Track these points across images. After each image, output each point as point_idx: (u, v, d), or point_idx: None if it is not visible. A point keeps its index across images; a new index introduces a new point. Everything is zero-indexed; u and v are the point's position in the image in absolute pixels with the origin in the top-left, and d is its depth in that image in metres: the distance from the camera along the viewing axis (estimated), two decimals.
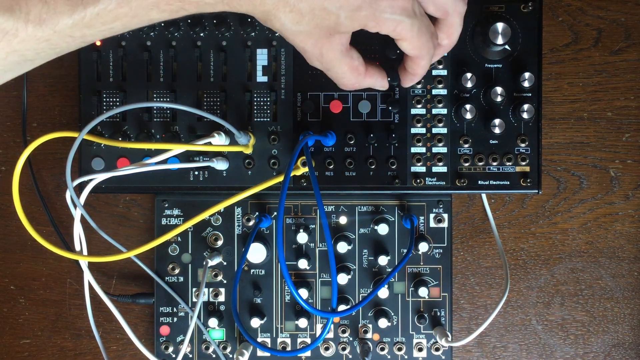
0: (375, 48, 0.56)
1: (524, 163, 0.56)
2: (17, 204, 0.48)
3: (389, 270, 0.60)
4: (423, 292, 0.60)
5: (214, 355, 0.61)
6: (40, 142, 0.48)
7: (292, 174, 0.53)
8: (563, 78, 0.63)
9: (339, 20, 0.40)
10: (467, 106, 0.55)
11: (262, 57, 0.56)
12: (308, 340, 0.61)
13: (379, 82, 0.48)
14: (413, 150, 0.57)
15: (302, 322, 0.60)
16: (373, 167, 0.56)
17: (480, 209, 0.64)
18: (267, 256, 0.60)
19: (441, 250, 0.60)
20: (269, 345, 0.61)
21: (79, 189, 0.54)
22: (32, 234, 0.49)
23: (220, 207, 0.52)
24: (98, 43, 0.56)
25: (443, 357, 0.60)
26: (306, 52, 0.43)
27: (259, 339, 0.61)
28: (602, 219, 0.64)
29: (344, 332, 0.61)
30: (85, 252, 0.55)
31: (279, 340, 0.61)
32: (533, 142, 0.56)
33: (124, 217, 0.65)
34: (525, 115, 0.55)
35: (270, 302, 0.61)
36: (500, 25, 0.53)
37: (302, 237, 0.60)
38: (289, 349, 0.61)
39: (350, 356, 0.61)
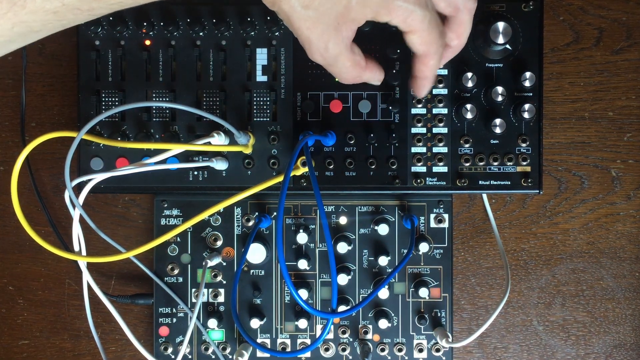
0: (376, 47, 0.56)
1: (524, 163, 0.56)
2: (15, 204, 0.48)
3: (389, 270, 0.60)
4: (423, 292, 0.59)
5: (213, 356, 0.60)
6: (39, 142, 0.48)
7: (292, 174, 0.52)
8: (564, 77, 0.63)
9: (350, 5, 0.39)
10: (468, 106, 0.55)
11: (261, 56, 0.56)
12: (308, 341, 0.61)
13: (377, 75, 0.47)
14: (413, 150, 0.57)
15: (302, 323, 0.60)
16: (373, 167, 0.56)
17: (480, 209, 0.64)
18: (266, 256, 0.60)
19: (442, 251, 0.60)
20: (269, 346, 0.61)
21: (78, 189, 0.54)
22: (31, 234, 0.49)
23: (220, 207, 0.51)
24: (97, 42, 0.56)
25: (444, 358, 0.60)
26: (311, 43, 0.42)
27: (259, 340, 0.61)
28: (604, 219, 0.64)
29: (344, 332, 0.60)
30: (84, 252, 0.55)
31: (279, 341, 0.61)
32: (534, 142, 0.56)
33: (123, 218, 0.65)
34: (526, 115, 0.55)
35: (270, 303, 0.61)
36: (501, 25, 0.53)
37: (302, 238, 0.59)
38: (288, 349, 0.61)
39: (351, 357, 0.61)
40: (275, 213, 0.60)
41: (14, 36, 0.40)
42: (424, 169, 0.57)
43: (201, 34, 0.56)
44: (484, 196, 0.63)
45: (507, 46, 0.55)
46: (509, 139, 0.56)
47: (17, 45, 0.42)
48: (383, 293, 0.60)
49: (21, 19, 0.38)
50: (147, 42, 0.56)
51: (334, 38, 0.41)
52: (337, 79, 0.56)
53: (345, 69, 0.44)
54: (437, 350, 0.60)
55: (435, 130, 0.56)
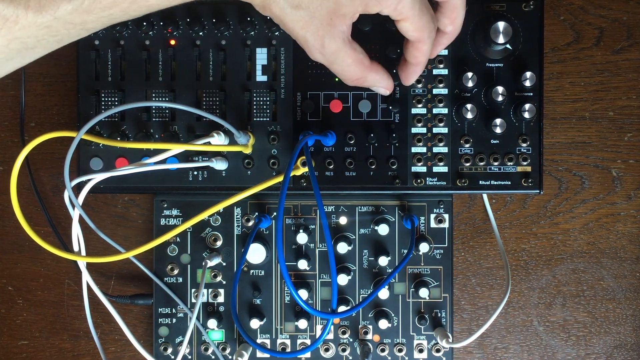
0: (376, 47, 0.56)
1: (525, 163, 0.56)
2: (15, 204, 0.48)
3: (390, 271, 0.60)
4: (424, 292, 0.59)
5: (213, 357, 0.60)
6: (38, 142, 0.48)
7: (291, 174, 0.52)
8: (565, 77, 0.63)
9: (339, 1, 0.40)
10: (468, 106, 0.55)
11: (261, 56, 0.56)
12: (308, 342, 0.61)
13: (384, 80, 0.47)
14: (414, 150, 0.56)
15: (302, 323, 0.60)
16: (373, 167, 0.56)
17: (481, 209, 0.64)
18: (266, 257, 0.60)
19: (442, 251, 0.60)
20: (269, 347, 0.60)
21: (77, 189, 0.53)
22: (30, 234, 0.49)
23: (220, 207, 0.51)
24: (97, 42, 0.56)
25: (444, 358, 0.60)
26: (307, 42, 0.42)
27: (259, 340, 0.61)
28: (604, 219, 0.64)
29: (344, 333, 0.60)
30: (83, 252, 0.55)
31: (279, 341, 0.61)
32: (534, 142, 0.56)
33: (123, 218, 0.65)
34: (526, 115, 0.55)
35: (269, 303, 0.60)
36: (501, 24, 0.53)
37: (301, 238, 0.59)
38: (288, 350, 0.60)
39: (351, 357, 0.61)
40: (275, 213, 0.60)
41: (10, 53, 0.40)
42: (424, 169, 0.56)
43: (201, 33, 0.56)
44: (484, 196, 0.63)
45: (508, 46, 0.55)
46: (509, 138, 0.56)
47: (14, 65, 0.43)
48: (383, 293, 0.60)
49: (15, 35, 0.39)
50: (147, 42, 0.56)
51: (329, 33, 0.41)
52: (339, 79, 0.56)
53: (347, 66, 0.44)
54: (438, 350, 0.60)
55: (435, 130, 0.56)
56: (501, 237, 0.63)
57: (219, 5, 0.56)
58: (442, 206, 0.60)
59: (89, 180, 0.52)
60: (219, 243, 0.60)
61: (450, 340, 0.58)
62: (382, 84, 0.47)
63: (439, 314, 0.60)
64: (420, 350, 0.60)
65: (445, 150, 0.56)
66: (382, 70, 0.47)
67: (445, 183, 0.56)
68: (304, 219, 0.60)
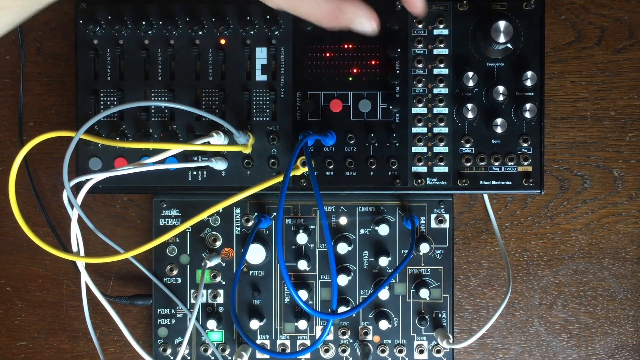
0: (376, 47, 0.56)
1: (526, 163, 0.56)
2: (13, 205, 0.48)
3: (390, 271, 0.60)
4: (424, 293, 0.59)
5: (212, 357, 0.60)
6: (37, 142, 0.48)
7: (291, 174, 0.52)
8: (566, 77, 0.63)
9: None
10: (469, 105, 0.55)
11: (261, 55, 0.56)
12: (308, 342, 0.60)
13: (364, 9, 0.39)
14: (414, 150, 0.56)
15: (302, 324, 0.59)
16: (373, 167, 0.56)
17: (482, 209, 0.64)
18: (266, 257, 0.60)
19: (442, 251, 0.60)
20: (268, 347, 0.60)
21: (76, 189, 0.53)
22: (29, 234, 0.48)
23: (219, 207, 0.51)
24: (96, 41, 0.56)
25: (444, 359, 0.60)
26: None
27: (258, 341, 0.60)
28: (605, 220, 0.64)
29: (344, 334, 0.60)
30: (82, 253, 0.55)
31: (279, 342, 0.60)
32: (535, 142, 0.56)
33: (122, 218, 0.64)
34: (527, 115, 0.54)
35: (269, 304, 0.60)
36: (502, 24, 0.53)
37: (301, 238, 0.59)
38: (288, 351, 0.60)
39: (351, 358, 0.60)
40: (274, 213, 0.60)
41: None
42: (424, 169, 0.56)
43: (200, 33, 0.56)
44: (485, 196, 0.63)
45: (509, 45, 0.55)
46: (510, 138, 0.56)
47: None
48: (383, 294, 0.60)
49: None
50: (146, 41, 0.56)
51: None
52: (346, 79, 0.56)
53: (316, 2, 0.38)
54: (438, 351, 0.60)
55: (436, 130, 0.56)
56: (502, 238, 0.63)
57: (219, 4, 0.55)
58: (442, 206, 0.60)
59: (88, 180, 0.52)
60: (218, 243, 0.60)
61: (451, 341, 0.58)
62: (363, 13, 0.39)
63: (440, 315, 0.60)
64: (421, 351, 0.60)
65: (445, 150, 0.56)
66: (360, 3, 0.39)
67: (445, 183, 0.56)
68: (304, 219, 0.60)
